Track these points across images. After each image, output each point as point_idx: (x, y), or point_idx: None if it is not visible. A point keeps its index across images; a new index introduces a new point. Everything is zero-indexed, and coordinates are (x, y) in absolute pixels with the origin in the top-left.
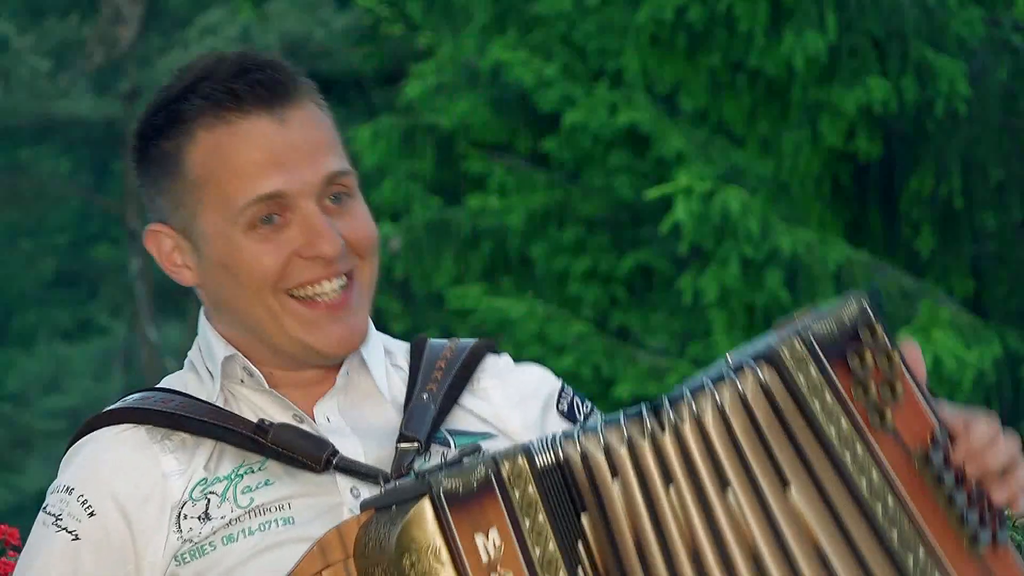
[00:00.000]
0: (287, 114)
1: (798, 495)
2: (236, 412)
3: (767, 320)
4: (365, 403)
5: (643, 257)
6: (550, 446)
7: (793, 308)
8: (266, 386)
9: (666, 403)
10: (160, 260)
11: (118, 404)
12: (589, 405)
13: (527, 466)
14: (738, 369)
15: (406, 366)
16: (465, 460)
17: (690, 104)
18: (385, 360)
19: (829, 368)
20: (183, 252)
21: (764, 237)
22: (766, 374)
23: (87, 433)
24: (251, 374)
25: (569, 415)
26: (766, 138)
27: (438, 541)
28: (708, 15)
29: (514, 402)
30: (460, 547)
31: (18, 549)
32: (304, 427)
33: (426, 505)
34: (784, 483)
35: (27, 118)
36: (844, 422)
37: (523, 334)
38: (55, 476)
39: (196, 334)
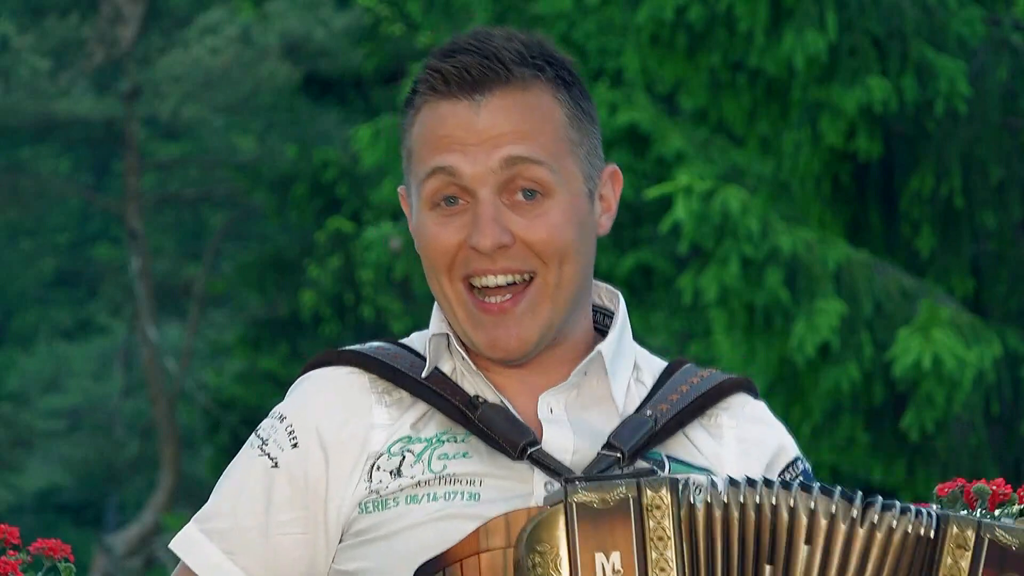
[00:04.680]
0: (488, 101)
1: None
2: (457, 384)
3: (767, 319)
4: (595, 407)
5: (643, 257)
6: (702, 484)
7: (793, 307)
8: (473, 368)
9: (858, 498)
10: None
11: (353, 347)
12: None
13: (670, 498)
14: (913, 513)
15: (651, 384)
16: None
17: (690, 104)
18: (632, 374)
19: (979, 571)
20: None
21: (764, 236)
22: (926, 532)
23: (317, 367)
24: (462, 357)
25: None
26: (766, 138)
27: (563, 550)
28: (708, 15)
29: (742, 449)
30: (579, 562)
31: (18, 548)
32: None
33: (560, 511)
34: None
35: (27, 118)
36: None
37: None
38: (55, 476)
39: (196, 333)
